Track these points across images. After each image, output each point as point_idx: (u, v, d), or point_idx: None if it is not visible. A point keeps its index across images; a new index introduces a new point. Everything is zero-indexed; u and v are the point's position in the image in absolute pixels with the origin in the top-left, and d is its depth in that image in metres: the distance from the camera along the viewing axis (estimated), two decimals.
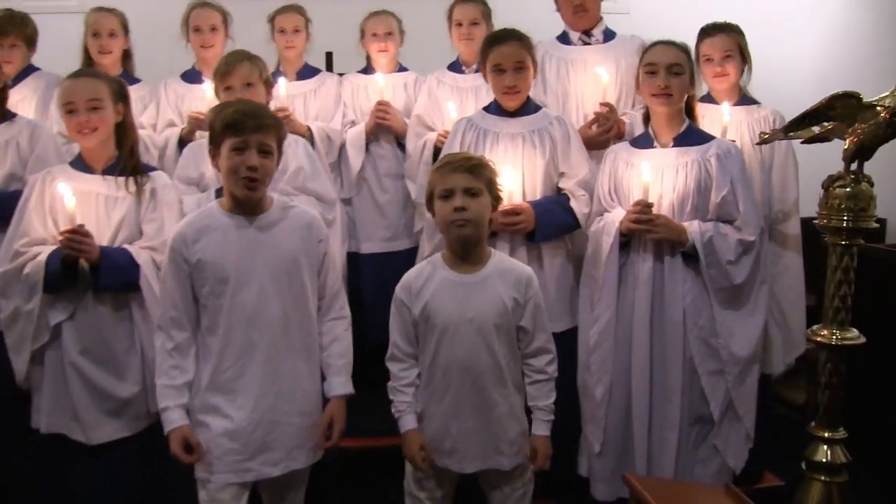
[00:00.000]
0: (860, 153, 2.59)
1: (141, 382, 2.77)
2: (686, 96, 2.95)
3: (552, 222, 3.10)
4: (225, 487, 2.36)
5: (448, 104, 3.60)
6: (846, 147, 2.61)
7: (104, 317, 2.74)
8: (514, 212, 2.98)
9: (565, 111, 3.57)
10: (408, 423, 2.47)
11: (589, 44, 3.69)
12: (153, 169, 2.94)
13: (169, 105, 3.82)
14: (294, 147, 3.10)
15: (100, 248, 2.66)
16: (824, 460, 2.74)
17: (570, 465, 3.14)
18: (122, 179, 2.79)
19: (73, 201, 2.61)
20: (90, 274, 2.67)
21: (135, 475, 2.84)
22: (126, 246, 2.75)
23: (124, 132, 2.84)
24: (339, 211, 3.27)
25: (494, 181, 2.49)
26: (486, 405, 2.45)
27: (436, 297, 2.44)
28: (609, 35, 3.69)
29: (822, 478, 2.76)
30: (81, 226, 2.61)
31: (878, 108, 2.53)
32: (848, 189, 2.60)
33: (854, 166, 2.63)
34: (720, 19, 3.50)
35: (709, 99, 3.47)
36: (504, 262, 2.54)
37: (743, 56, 3.42)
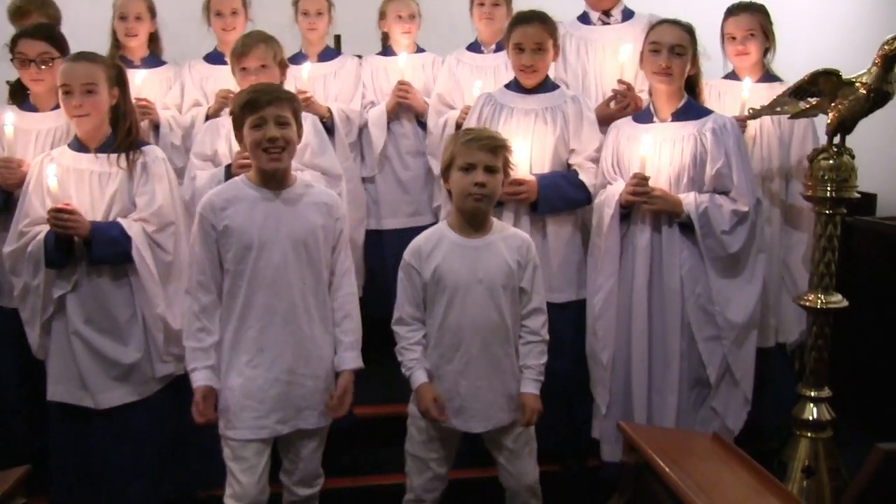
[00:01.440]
0: (842, 127, 3.02)
1: (143, 349, 3.19)
2: (687, 75, 3.32)
3: (557, 195, 3.49)
4: (246, 444, 2.76)
5: (476, 82, 4.01)
6: (829, 122, 3.04)
7: (104, 287, 3.15)
8: (517, 182, 3.36)
9: (584, 89, 3.97)
10: (419, 377, 2.85)
11: (608, 23, 4.06)
12: (145, 144, 3.34)
13: (194, 85, 4.27)
14: (303, 126, 3.47)
15: (90, 222, 3.06)
16: (811, 418, 3.20)
17: (572, 431, 3.57)
18: (114, 156, 3.18)
19: (55, 182, 3.00)
20: (84, 248, 3.08)
21: (151, 437, 3.28)
22: (119, 219, 3.14)
23: (120, 115, 3.23)
24: (345, 188, 3.61)
25: (509, 160, 2.91)
26: (493, 363, 2.84)
27: (446, 260, 2.82)
28: (628, 14, 4.06)
29: (809, 434, 3.21)
30: (67, 204, 3.01)
31: (857, 84, 2.95)
32: (831, 161, 3.06)
33: (837, 140, 3.02)
34: None
35: (733, 76, 3.86)
36: (506, 228, 2.95)
37: (766, 35, 3.77)
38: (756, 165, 3.63)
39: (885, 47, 2.92)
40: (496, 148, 2.79)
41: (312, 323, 2.80)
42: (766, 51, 3.81)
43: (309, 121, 3.43)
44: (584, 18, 4.14)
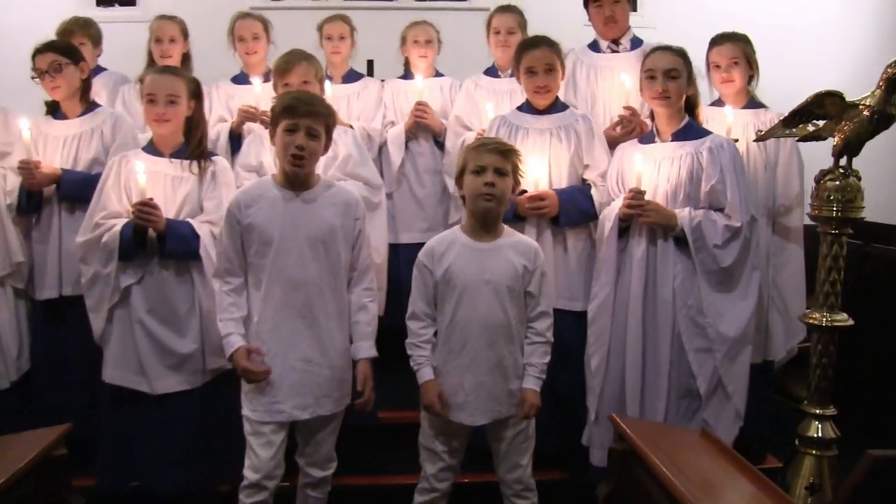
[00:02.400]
0: (848, 149, 3.14)
1: (199, 341, 3.48)
2: (684, 96, 3.55)
3: (576, 209, 3.72)
4: (264, 424, 3.03)
5: (487, 105, 4.28)
6: (835, 143, 3.17)
7: (168, 281, 3.46)
8: (539, 197, 3.63)
9: (593, 113, 4.19)
10: (426, 374, 3.11)
11: (617, 51, 4.30)
12: (214, 154, 3.68)
13: (220, 103, 4.60)
14: (344, 137, 3.78)
15: (166, 219, 3.39)
16: (815, 435, 3.33)
17: (576, 438, 3.71)
18: (186, 162, 3.53)
19: (145, 178, 3.36)
20: (157, 242, 3.40)
21: (195, 427, 3.52)
22: (188, 219, 3.48)
23: (194, 124, 3.57)
24: (384, 197, 3.91)
25: (518, 167, 3.15)
26: (497, 360, 3.08)
27: (456, 261, 3.08)
28: (636, 43, 4.30)
29: (814, 452, 3.41)
30: (150, 199, 3.35)
31: (861, 106, 3.06)
32: (837, 182, 3.23)
33: (843, 161, 3.08)
34: (739, 29, 4.05)
35: (719, 103, 4.08)
36: (515, 235, 3.22)
37: (749, 63, 3.98)
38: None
39: (889, 70, 3.12)
40: (505, 152, 3.05)
41: (329, 316, 3.06)
42: (750, 78, 4.01)
43: (350, 134, 3.81)
44: (594, 46, 4.38)
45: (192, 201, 3.49)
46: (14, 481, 2.08)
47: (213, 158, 3.58)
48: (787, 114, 3.32)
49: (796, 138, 3.44)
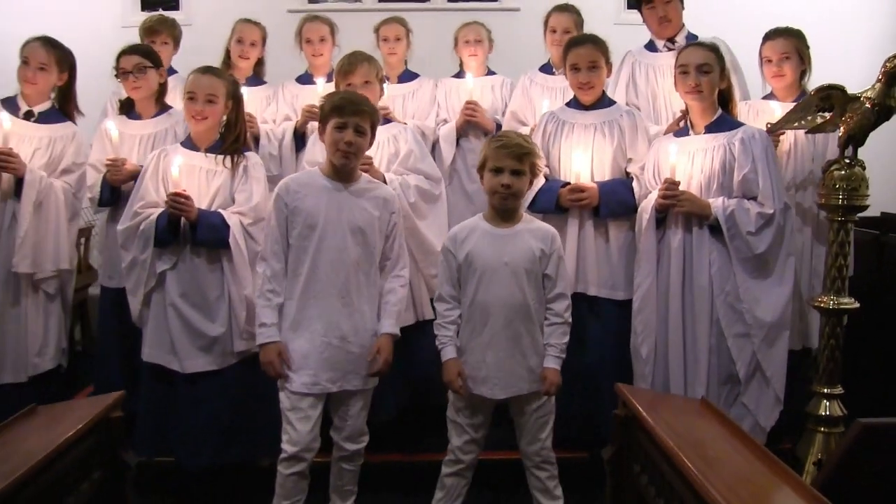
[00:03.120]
0: (852, 140, 3.42)
1: (227, 324, 3.83)
2: (717, 90, 3.78)
3: (616, 200, 3.99)
4: (302, 398, 3.37)
5: (544, 101, 4.58)
6: (839, 135, 3.42)
7: (200, 268, 3.80)
8: (580, 189, 3.91)
9: (655, 111, 4.49)
10: (449, 353, 3.43)
11: (673, 49, 4.50)
12: (247, 150, 4.01)
13: (286, 103, 5.02)
14: (405, 134, 4.17)
15: (198, 209, 3.73)
16: (824, 413, 3.56)
17: (599, 421, 3.91)
18: (220, 157, 3.88)
19: (178, 171, 3.72)
20: (189, 230, 3.76)
21: (225, 405, 3.87)
22: (220, 210, 3.82)
23: (231, 123, 3.92)
24: (444, 189, 4.28)
25: (535, 163, 3.47)
26: (515, 337, 3.38)
27: (477, 245, 3.42)
28: (692, 39, 4.52)
29: (822, 429, 3.58)
30: (183, 190, 3.70)
31: (863, 99, 3.35)
32: (843, 172, 3.47)
33: (849, 152, 3.36)
34: (782, 23, 4.30)
35: (771, 97, 4.30)
36: (533, 221, 3.53)
37: (801, 58, 4.20)
38: (789, 177, 4.08)
39: (888, 65, 3.36)
40: (521, 155, 3.36)
41: (362, 299, 3.42)
42: (802, 73, 4.22)
43: (410, 132, 4.19)
44: (650, 46, 4.68)
45: (224, 193, 3.83)
46: (80, 436, 2.47)
47: (246, 154, 3.92)
48: (795, 106, 3.60)
49: (805, 130, 3.70)
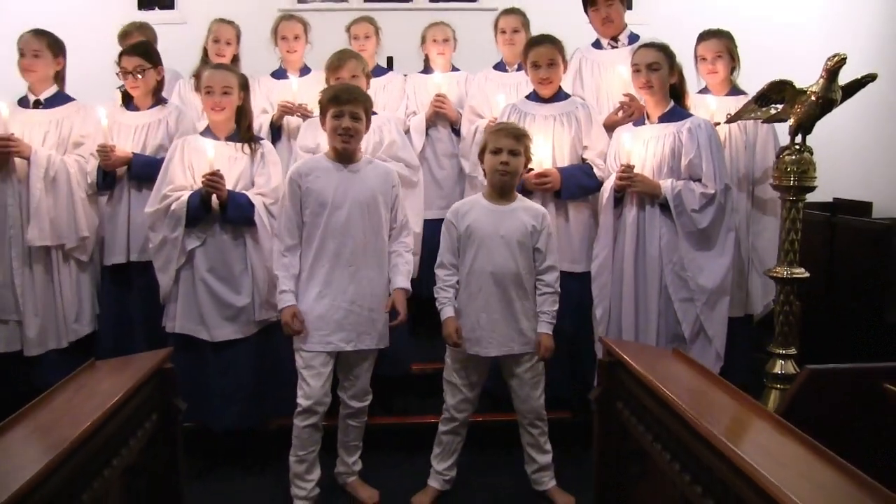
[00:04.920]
0: (801, 129, 3.85)
1: (251, 296, 4.21)
2: (668, 85, 4.23)
3: (576, 184, 4.44)
4: (315, 356, 3.78)
5: (499, 96, 4.98)
6: (790, 124, 3.83)
7: (226, 244, 4.18)
8: (544, 174, 4.35)
9: (598, 102, 4.92)
10: (447, 312, 3.87)
11: (616, 47, 5.02)
12: (261, 139, 4.43)
13: (261, 96, 5.32)
14: (389, 125, 4.54)
15: (228, 190, 4.11)
16: (779, 372, 4.00)
17: (582, 383, 4.40)
18: (239, 144, 4.27)
19: (213, 153, 4.08)
20: (220, 209, 4.11)
21: (248, 370, 4.26)
22: (244, 191, 4.20)
23: (244, 112, 4.32)
24: (422, 177, 4.67)
25: (529, 147, 3.93)
26: (507, 302, 3.85)
27: (476, 219, 3.86)
28: (633, 39, 5.00)
29: (778, 386, 4.02)
30: (218, 170, 4.06)
31: (809, 92, 3.76)
32: (793, 157, 3.92)
33: (798, 139, 3.77)
34: (726, 24, 4.74)
35: (706, 90, 4.79)
36: (527, 201, 4.01)
37: (732, 56, 4.68)
38: (726, 165, 4.49)
39: (828, 63, 3.81)
40: (518, 136, 3.84)
41: (370, 265, 3.82)
42: (732, 69, 4.71)
43: (393, 122, 4.58)
44: (596, 44, 5.12)
45: (245, 178, 4.21)
46: (140, 384, 2.78)
47: (262, 142, 4.33)
48: (749, 98, 4.03)
49: (761, 120, 4.17)
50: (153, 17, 6.35)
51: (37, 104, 4.65)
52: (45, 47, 4.61)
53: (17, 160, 4.47)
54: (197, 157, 4.12)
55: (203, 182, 4.01)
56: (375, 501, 3.98)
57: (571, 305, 4.33)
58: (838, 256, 5.33)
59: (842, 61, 3.72)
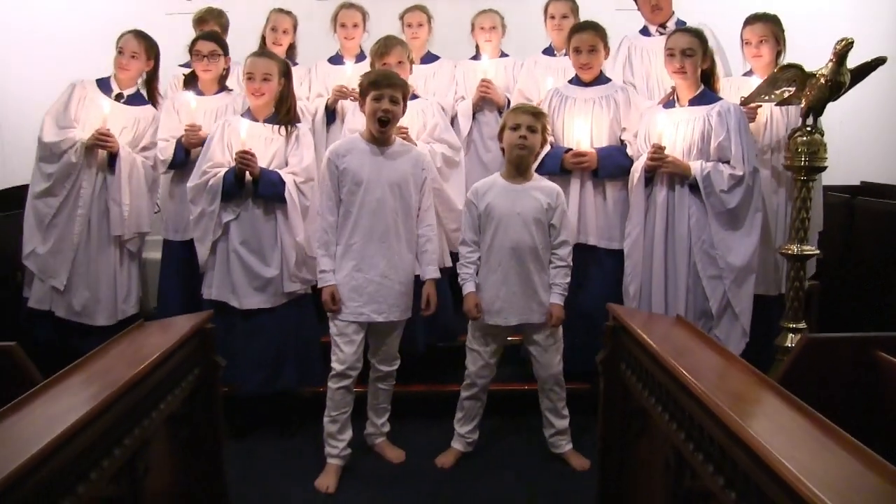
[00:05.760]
0: (812, 111, 3.99)
1: (279, 268, 4.44)
2: (700, 70, 4.34)
3: (612, 164, 4.59)
4: (348, 324, 4.03)
5: (548, 79, 5.14)
6: (802, 106, 3.97)
7: (258, 219, 4.41)
8: (581, 154, 4.52)
9: (648, 88, 5.09)
10: (469, 287, 4.12)
11: (664, 34, 5.06)
12: (298, 122, 4.64)
13: (318, 81, 5.63)
14: (431, 109, 4.78)
15: (259, 167, 4.32)
16: (789, 346, 4.10)
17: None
18: (276, 126, 4.51)
19: (246, 133, 4.33)
20: (252, 185, 4.34)
21: (274, 338, 4.50)
22: (277, 170, 4.42)
23: (284, 97, 4.54)
24: (463, 157, 4.91)
25: (546, 126, 4.12)
26: (525, 275, 4.05)
27: (495, 198, 4.08)
28: (680, 25, 5.09)
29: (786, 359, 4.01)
30: (249, 149, 4.29)
31: (819, 75, 3.89)
32: (805, 138, 4.04)
33: (809, 120, 3.91)
34: (773, 9, 4.80)
35: (750, 74, 4.83)
36: (543, 180, 4.19)
37: (777, 41, 4.72)
38: (766, 147, 4.62)
39: (837, 47, 3.92)
40: (535, 114, 4.04)
41: (401, 242, 4.05)
42: (778, 53, 4.74)
43: (436, 107, 4.81)
44: (644, 31, 5.30)
45: (279, 157, 4.44)
46: (184, 341, 3.05)
47: (297, 125, 4.55)
48: (762, 81, 4.15)
49: (774, 103, 4.29)
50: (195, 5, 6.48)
51: (118, 97, 5.02)
52: (142, 50, 5.00)
53: (100, 151, 4.88)
54: (235, 137, 4.37)
55: (235, 159, 4.27)
56: (402, 461, 4.23)
57: (609, 281, 4.52)
58: (858, 237, 5.41)
59: (849, 45, 3.83)
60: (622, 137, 4.64)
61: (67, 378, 2.52)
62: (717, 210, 4.22)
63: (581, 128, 4.53)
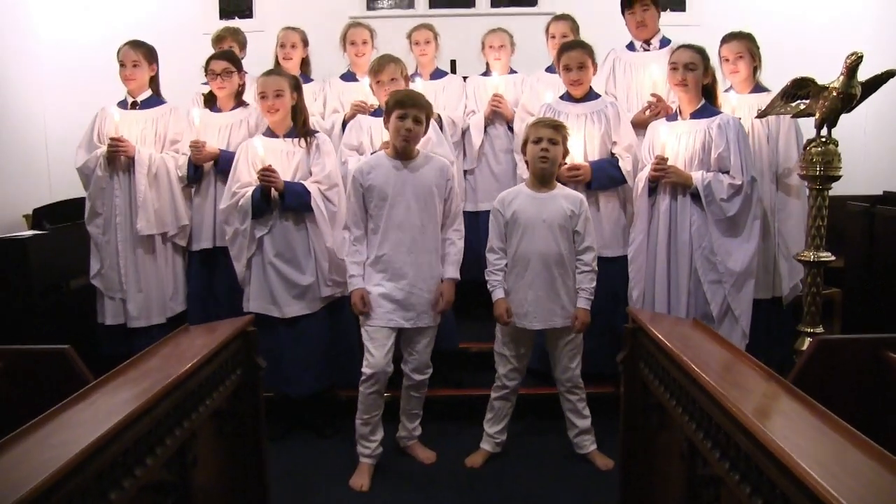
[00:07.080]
0: (826, 122, 4.10)
1: (315, 275, 4.64)
2: (701, 84, 4.54)
3: (605, 176, 4.83)
4: (379, 329, 4.20)
5: (547, 94, 5.32)
6: (816, 118, 4.10)
7: (290, 230, 4.60)
8: (575, 167, 4.75)
9: (628, 100, 5.29)
10: (498, 294, 4.31)
11: (648, 50, 5.37)
12: (317, 132, 4.83)
13: (333, 97, 5.83)
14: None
15: (283, 181, 4.50)
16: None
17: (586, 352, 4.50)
18: (296, 140, 4.72)
19: (262, 151, 4.52)
20: (279, 199, 4.51)
21: (318, 341, 4.74)
22: (301, 181, 4.58)
23: (298, 110, 4.75)
24: (456, 171, 5.08)
25: (567, 138, 4.32)
26: (551, 280, 4.25)
27: (521, 206, 4.27)
28: (665, 43, 5.34)
29: None
30: (269, 165, 4.46)
31: (831, 88, 4.03)
32: (819, 148, 4.19)
33: (824, 131, 4.11)
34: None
35: (731, 88, 5.06)
36: (565, 189, 4.40)
37: (753, 56, 4.95)
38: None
39: (848, 61, 4.05)
40: (557, 127, 4.24)
41: (427, 252, 4.23)
42: (754, 69, 4.98)
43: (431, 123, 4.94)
44: (630, 46, 5.47)
45: (302, 168, 4.61)
46: (228, 341, 3.20)
47: (317, 134, 4.74)
48: (776, 95, 4.29)
49: (790, 115, 4.46)
50: (233, 24, 6.78)
51: (134, 105, 5.19)
52: (142, 57, 5.14)
53: (123, 157, 5.03)
54: (256, 156, 4.53)
55: (258, 178, 4.46)
56: (433, 462, 4.38)
57: (602, 287, 4.58)
58: (877, 245, 5.57)
59: (859, 59, 3.99)
60: (613, 151, 4.85)
61: (121, 375, 2.69)
62: (718, 217, 4.42)
63: (574, 142, 4.67)
